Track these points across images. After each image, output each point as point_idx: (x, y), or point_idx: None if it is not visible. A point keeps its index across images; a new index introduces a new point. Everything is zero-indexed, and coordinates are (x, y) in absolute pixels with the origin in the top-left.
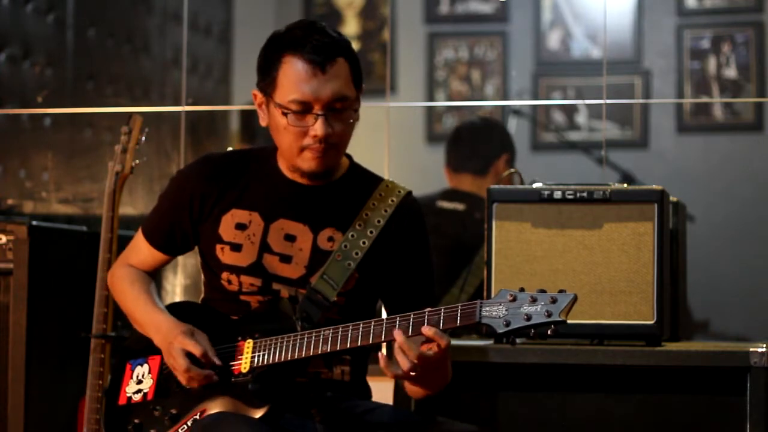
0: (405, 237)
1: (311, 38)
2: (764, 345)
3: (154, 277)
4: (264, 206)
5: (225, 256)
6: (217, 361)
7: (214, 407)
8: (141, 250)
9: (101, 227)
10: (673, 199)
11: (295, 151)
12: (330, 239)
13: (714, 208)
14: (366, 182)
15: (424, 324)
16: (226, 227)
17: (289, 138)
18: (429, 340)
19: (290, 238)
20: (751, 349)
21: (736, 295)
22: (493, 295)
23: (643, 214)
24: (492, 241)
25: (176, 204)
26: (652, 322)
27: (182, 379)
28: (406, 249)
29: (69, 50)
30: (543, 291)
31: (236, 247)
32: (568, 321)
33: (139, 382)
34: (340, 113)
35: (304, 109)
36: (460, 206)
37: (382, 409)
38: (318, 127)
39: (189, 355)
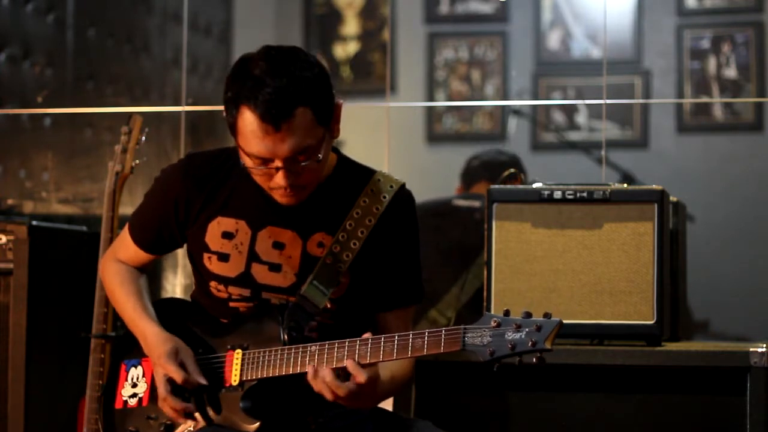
0: (395, 232)
1: (265, 88)
2: (764, 345)
3: (145, 271)
4: (251, 213)
5: (213, 265)
6: (203, 381)
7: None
8: (128, 248)
9: (101, 227)
10: (673, 199)
11: (266, 188)
12: (320, 245)
13: (714, 208)
14: (356, 178)
15: (408, 347)
16: (213, 236)
17: (257, 178)
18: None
19: (279, 245)
20: (751, 349)
21: (736, 295)
22: (492, 300)
23: (643, 214)
24: (492, 241)
25: (161, 206)
26: (652, 322)
27: (160, 404)
28: (395, 244)
29: (69, 50)
30: (528, 314)
31: (224, 257)
32: (569, 321)
33: (134, 385)
34: (303, 162)
35: (264, 162)
36: (476, 203)
37: (380, 415)
38: (279, 179)
39: (172, 380)
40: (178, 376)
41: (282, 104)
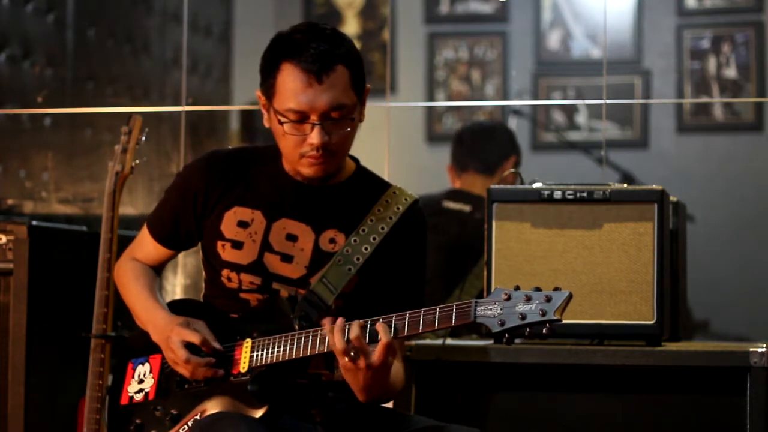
0: (405, 245)
1: (309, 45)
2: (764, 345)
3: (160, 272)
4: (267, 205)
5: (226, 253)
6: (218, 346)
7: (214, 407)
8: (146, 245)
9: (101, 227)
10: (673, 199)
11: (295, 157)
12: (332, 241)
13: (714, 208)
14: (372, 187)
15: (419, 323)
16: (228, 224)
17: (289, 144)
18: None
19: (292, 237)
20: (751, 349)
21: (736, 295)
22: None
23: (643, 214)
24: (492, 241)
25: (181, 199)
26: (652, 322)
27: (184, 371)
28: (404, 257)
29: (69, 50)
30: (538, 289)
31: (237, 245)
32: (569, 321)
33: (141, 381)
34: (338, 121)
35: (301, 118)
36: (466, 207)
37: (382, 412)
38: (314, 136)
39: (188, 346)
40: (195, 338)
41: (325, 59)
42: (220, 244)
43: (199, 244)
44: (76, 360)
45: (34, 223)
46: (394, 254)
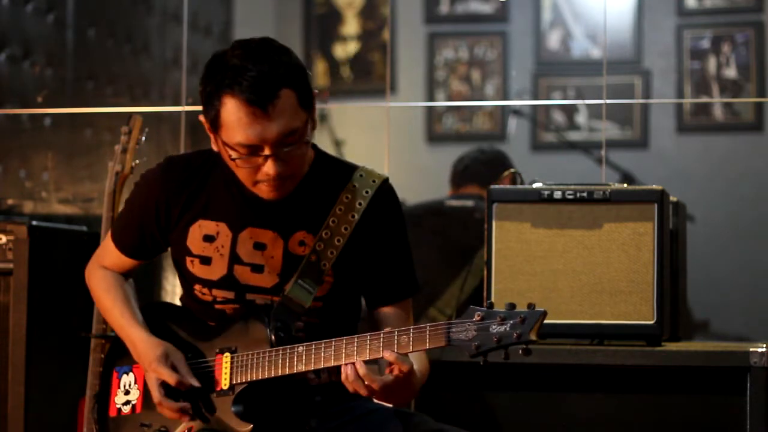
0: (381, 227)
1: (247, 73)
2: (764, 345)
3: (131, 276)
4: (231, 216)
5: (195, 269)
6: (195, 383)
7: (201, 423)
8: (111, 254)
9: (101, 227)
10: (673, 199)
11: (251, 184)
12: (302, 243)
13: (714, 208)
14: (336, 174)
15: (394, 344)
16: (194, 239)
17: (242, 174)
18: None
19: (260, 246)
20: (751, 349)
21: (736, 295)
22: (493, 294)
23: (643, 214)
24: (492, 241)
25: (143, 211)
26: (652, 322)
27: (157, 407)
28: (383, 239)
29: (69, 50)
30: (512, 306)
31: (206, 260)
32: (569, 321)
33: (127, 392)
34: (292, 146)
35: (252, 151)
36: (468, 202)
37: (377, 412)
38: (269, 168)
39: (165, 384)
40: (171, 378)
41: (266, 86)
42: (188, 260)
43: (170, 255)
44: (76, 360)
45: (34, 223)
46: (371, 242)
